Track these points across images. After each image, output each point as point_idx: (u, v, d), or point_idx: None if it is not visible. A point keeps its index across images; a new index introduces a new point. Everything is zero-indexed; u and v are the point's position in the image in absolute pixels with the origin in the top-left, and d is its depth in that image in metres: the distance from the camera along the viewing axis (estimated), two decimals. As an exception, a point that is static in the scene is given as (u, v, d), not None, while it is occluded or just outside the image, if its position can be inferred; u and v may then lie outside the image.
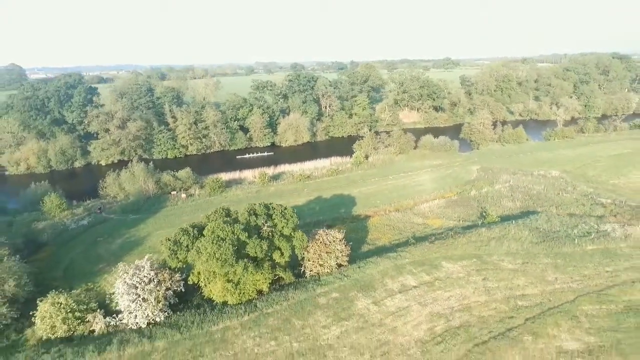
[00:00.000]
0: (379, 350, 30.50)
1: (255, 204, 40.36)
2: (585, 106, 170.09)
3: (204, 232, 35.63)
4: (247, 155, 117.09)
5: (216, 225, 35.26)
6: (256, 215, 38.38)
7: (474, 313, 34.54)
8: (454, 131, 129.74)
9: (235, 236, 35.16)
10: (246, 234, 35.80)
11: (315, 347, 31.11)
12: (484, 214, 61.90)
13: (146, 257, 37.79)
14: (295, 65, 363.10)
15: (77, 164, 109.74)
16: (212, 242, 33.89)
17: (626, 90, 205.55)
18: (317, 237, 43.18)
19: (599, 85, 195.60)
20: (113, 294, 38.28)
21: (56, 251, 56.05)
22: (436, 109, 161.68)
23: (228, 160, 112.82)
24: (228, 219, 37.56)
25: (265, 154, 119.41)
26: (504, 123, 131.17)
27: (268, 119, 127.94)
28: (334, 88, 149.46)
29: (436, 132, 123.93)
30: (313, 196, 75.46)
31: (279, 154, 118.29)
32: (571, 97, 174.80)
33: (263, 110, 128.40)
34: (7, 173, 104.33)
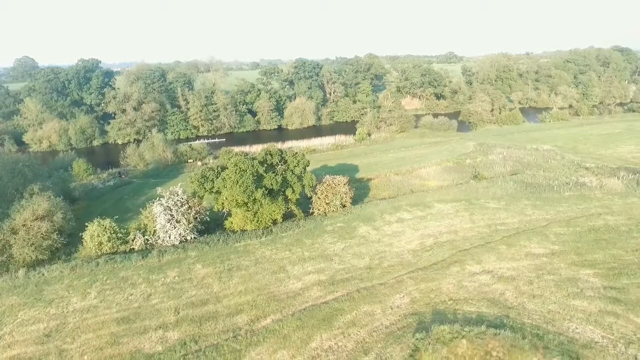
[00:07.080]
0: (377, 256, 36.32)
1: (270, 148, 46.19)
2: (583, 94, 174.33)
3: (228, 165, 41.55)
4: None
5: (238, 159, 41.19)
6: (271, 155, 44.26)
7: (459, 234, 40.25)
8: (454, 117, 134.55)
9: (255, 169, 41.07)
10: (263, 168, 41.68)
11: (323, 255, 37.00)
12: (477, 176, 67.37)
13: (179, 184, 43.83)
14: (300, 61, 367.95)
15: (95, 143, 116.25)
16: (235, 172, 39.81)
17: (626, 81, 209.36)
18: (324, 180, 49.04)
19: (598, 76, 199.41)
20: (146, 225, 44.23)
21: (89, 205, 62.16)
22: (437, 96, 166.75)
23: (237, 140, 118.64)
24: (247, 157, 43.44)
25: (217, 140, 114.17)
26: (502, 108, 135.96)
27: (275, 103, 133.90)
28: (338, 75, 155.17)
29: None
30: (319, 165, 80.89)
31: (283, 135, 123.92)
32: (569, 86, 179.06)
33: (270, 95, 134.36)
34: (30, 150, 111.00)
